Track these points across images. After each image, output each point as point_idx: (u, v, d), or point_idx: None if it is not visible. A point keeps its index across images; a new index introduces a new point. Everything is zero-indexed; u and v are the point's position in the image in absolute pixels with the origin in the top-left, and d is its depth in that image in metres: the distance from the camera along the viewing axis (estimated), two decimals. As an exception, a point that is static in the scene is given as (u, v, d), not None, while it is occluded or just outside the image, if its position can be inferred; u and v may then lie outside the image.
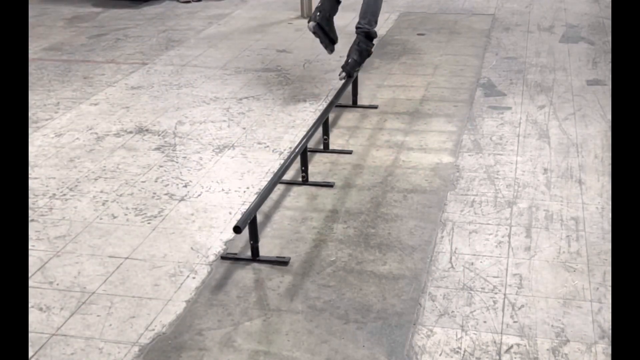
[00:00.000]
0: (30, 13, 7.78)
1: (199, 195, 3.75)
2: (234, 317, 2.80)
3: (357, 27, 4.70)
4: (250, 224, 3.08)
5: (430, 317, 2.77)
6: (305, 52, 6.20)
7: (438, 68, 5.69)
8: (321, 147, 4.22)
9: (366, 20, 4.67)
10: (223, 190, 3.79)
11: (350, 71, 4.68)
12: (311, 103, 5.00)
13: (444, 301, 2.86)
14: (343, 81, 4.71)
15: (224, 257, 3.17)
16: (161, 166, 4.09)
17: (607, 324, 2.71)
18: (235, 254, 3.19)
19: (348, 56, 4.72)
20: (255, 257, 3.14)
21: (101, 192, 3.79)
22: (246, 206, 3.55)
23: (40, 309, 2.86)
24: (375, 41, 4.91)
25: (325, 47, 4.98)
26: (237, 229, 2.98)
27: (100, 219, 3.53)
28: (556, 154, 4.12)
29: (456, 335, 2.67)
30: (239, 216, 3.48)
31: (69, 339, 2.69)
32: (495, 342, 2.63)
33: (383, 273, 3.05)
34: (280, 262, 3.11)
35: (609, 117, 4.61)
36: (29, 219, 3.54)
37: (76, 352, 2.62)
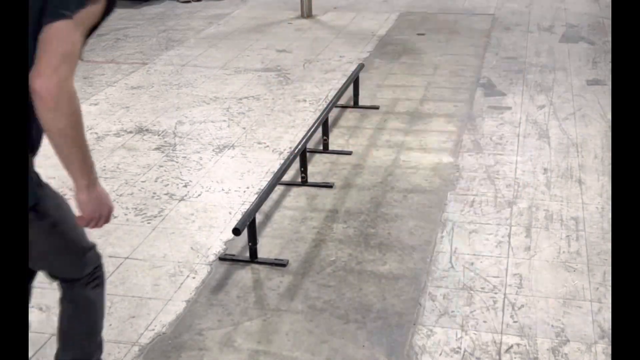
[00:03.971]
0: (30, 13, 7.77)
1: (199, 195, 3.74)
2: (234, 317, 2.80)
3: None
4: (249, 226, 3.08)
5: (430, 317, 2.77)
6: (305, 52, 6.20)
7: (438, 68, 5.69)
8: (321, 147, 4.22)
9: (75, 350, 2.24)
10: (223, 190, 3.79)
11: None
12: (311, 103, 4.99)
13: (444, 301, 2.86)
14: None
15: (222, 259, 3.17)
16: (161, 166, 4.08)
17: (607, 324, 2.70)
18: (234, 255, 3.19)
19: None
20: (253, 258, 3.14)
21: (101, 192, 3.79)
22: (246, 206, 3.55)
23: (40, 309, 2.86)
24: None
25: None
26: (236, 231, 2.98)
27: (100, 219, 3.52)
28: (556, 154, 4.12)
29: (456, 335, 2.67)
30: (239, 216, 3.47)
31: (69, 339, 2.68)
32: (495, 342, 2.63)
33: (383, 273, 3.05)
34: (279, 264, 3.11)
35: (609, 117, 4.61)
36: (29, 219, 3.53)
37: (76, 352, 2.62)
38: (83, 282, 2.12)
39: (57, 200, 2.08)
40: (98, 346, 2.25)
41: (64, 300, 2.17)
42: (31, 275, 2.21)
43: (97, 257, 2.15)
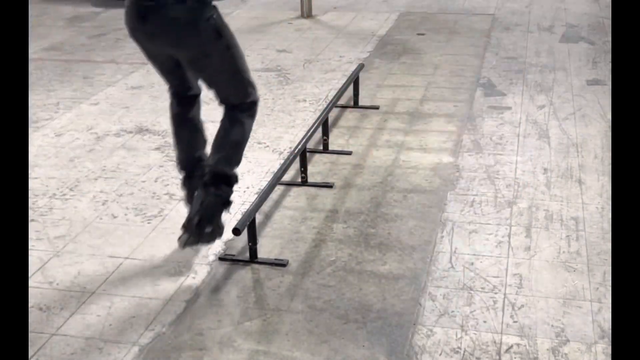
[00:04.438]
0: (30, 13, 7.77)
1: (199, 195, 3.74)
2: (234, 317, 2.80)
3: (207, 167, 3.05)
4: (249, 226, 3.08)
5: (430, 317, 2.77)
6: (305, 52, 6.20)
7: (438, 68, 5.69)
8: (321, 147, 4.22)
9: (222, 155, 3.00)
10: (223, 190, 3.79)
11: (200, 233, 2.95)
12: (311, 103, 4.99)
13: (444, 301, 2.86)
14: (185, 246, 3.03)
15: (221, 259, 3.17)
16: (161, 166, 4.08)
17: (607, 324, 2.70)
18: (234, 255, 3.19)
19: (192, 213, 2.97)
20: (253, 259, 3.14)
21: (101, 192, 3.79)
22: (246, 206, 3.55)
23: (40, 309, 2.86)
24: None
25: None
26: (236, 231, 2.98)
27: (100, 218, 3.53)
28: (556, 154, 4.12)
29: (456, 335, 2.67)
30: (238, 216, 3.47)
31: (69, 339, 2.69)
32: (495, 342, 2.63)
33: (383, 273, 3.05)
34: (279, 264, 3.11)
35: (609, 117, 4.61)
36: (29, 219, 3.54)
37: (76, 352, 2.62)
38: (242, 108, 2.80)
39: (230, 31, 2.77)
40: (237, 161, 2.96)
41: (224, 119, 2.87)
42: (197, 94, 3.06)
43: (257, 95, 2.84)
